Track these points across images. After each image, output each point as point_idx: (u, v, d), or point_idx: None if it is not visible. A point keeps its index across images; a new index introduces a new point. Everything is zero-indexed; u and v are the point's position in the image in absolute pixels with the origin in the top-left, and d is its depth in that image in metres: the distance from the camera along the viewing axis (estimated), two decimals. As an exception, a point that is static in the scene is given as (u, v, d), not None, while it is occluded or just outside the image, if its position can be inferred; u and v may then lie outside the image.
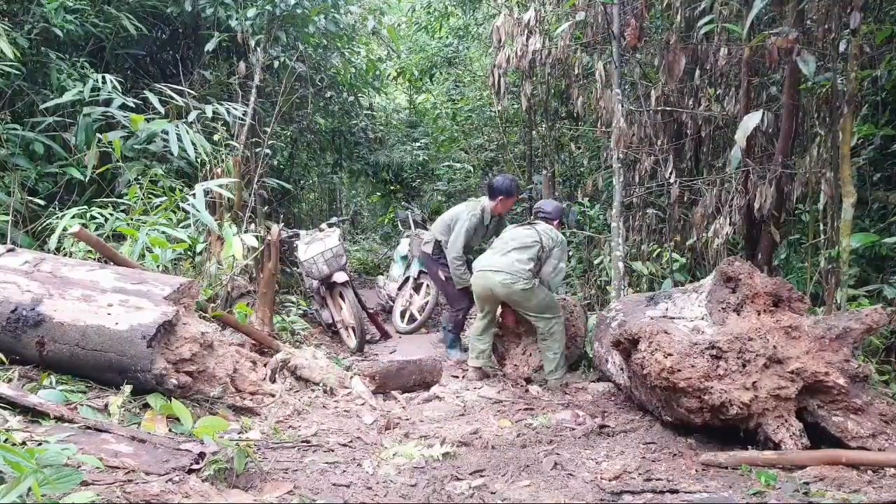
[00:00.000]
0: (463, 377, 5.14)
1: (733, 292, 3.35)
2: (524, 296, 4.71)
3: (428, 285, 7.29)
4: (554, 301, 4.88)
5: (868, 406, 3.02)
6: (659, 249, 5.92)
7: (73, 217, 4.28)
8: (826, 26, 4.37)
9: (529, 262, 4.74)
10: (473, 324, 5.18)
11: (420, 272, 7.30)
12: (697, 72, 5.54)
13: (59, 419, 2.63)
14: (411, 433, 3.56)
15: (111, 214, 4.50)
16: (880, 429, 2.98)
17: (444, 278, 5.86)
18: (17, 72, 4.99)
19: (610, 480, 2.85)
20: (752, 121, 3.91)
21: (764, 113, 4.26)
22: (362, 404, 4.07)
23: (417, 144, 12.72)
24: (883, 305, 3.49)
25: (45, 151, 5.24)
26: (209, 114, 5.74)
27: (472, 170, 12.24)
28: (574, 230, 6.82)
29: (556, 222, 5.14)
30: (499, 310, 5.17)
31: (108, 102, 5.31)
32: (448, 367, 5.29)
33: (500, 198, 5.62)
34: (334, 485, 2.70)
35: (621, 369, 4.02)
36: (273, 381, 4.18)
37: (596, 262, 6.49)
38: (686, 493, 2.66)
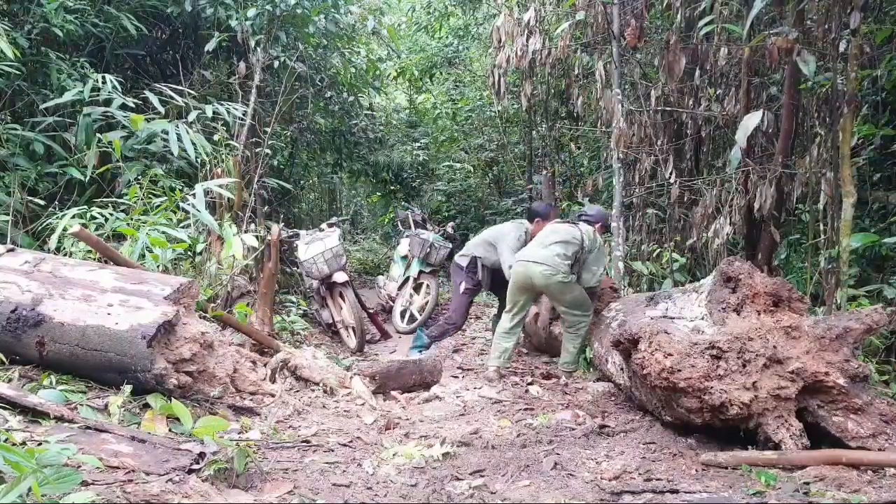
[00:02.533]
0: (463, 377, 5.13)
1: (733, 292, 3.35)
2: (560, 288, 4.78)
3: (428, 285, 7.29)
4: (587, 300, 4.90)
5: (868, 406, 3.01)
6: (659, 249, 5.92)
7: (73, 217, 4.26)
8: (826, 26, 4.37)
9: (568, 258, 4.81)
10: (501, 322, 5.16)
11: (420, 272, 7.30)
12: (697, 72, 5.55)
13: (59, 419, 2.62)
14: (411, 433, 3.56)
15: (111, 214, 4.49)
16: (880, 429, 2.97)
17: (462, 290, 5.95)
18: (17, 72, 4.98)
19: (610, 480, 2.85)
20: (752, 121, 3.91)
21: (764, 113, 4.26)
22: (362, 404, 4.07)
23: (417, 144, 12.73)
24: (883, 305, 3.49)
25: (45, 151, 5.23)
26: (209, 114, 5.73)
27: (472, 170, 12.24)
28: None
29: (598, 225, 5.16)
30: (530, 312, 5.33)
31: (108, 102, 5.30)
32: (448, 367, 5.29)
33: (537, 220, 5.67)
34: (334, 485, 2.70)
35: (621, 369, 4.02)
36: (273, 381, 4.17)
37: (596, 262, 6.48)
38: (686, 493, 2.65)
